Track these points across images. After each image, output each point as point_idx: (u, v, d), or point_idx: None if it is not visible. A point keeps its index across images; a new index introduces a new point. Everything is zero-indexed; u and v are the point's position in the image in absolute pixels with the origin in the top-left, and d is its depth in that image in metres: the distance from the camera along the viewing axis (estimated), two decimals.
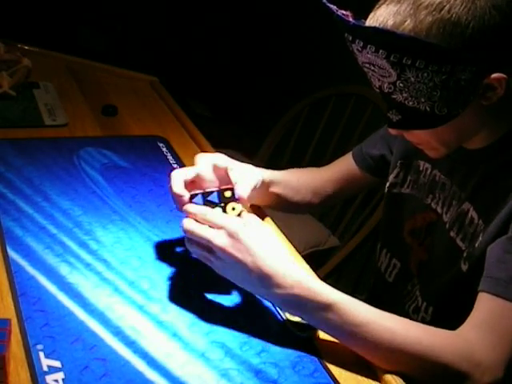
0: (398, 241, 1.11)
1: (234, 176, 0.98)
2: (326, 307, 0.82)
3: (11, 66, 1.48)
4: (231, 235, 0.85)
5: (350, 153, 1.22)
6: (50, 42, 1.96)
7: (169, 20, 3.23)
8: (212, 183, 0.99)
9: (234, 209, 0.92)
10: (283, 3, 2.92)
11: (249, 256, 0.84)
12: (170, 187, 0.96)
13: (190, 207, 0.91)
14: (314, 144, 1.96)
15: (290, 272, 0.84)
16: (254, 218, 0.91)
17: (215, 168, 1.00)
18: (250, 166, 1.06)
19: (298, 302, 0.84)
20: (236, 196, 0.92)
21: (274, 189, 1.13)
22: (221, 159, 1.02)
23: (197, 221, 0.89)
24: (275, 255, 0.85)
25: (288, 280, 0.83)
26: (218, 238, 0.85)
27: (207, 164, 1.00)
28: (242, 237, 0.84)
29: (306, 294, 0.83)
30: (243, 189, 0.94)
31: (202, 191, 0.93)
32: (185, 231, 0.89)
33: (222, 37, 3.18)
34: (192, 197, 0.93)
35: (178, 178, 0.96)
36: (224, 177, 0.99)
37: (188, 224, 0.88)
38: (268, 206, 1.17)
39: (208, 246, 0.87)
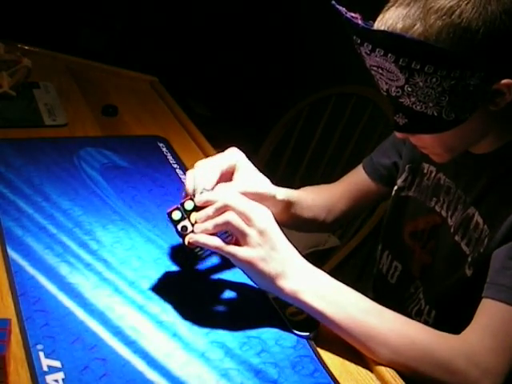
0: (398, 243, 1.11)
1: (239, 176, 0.96)
2: (331, 296, 0.84)
3: (11, 66, 1.48)
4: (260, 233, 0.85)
5: (360, 165, 1.20)
6: (50, 42, 1.96)
7: (169, 20, 3.23)
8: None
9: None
10: (283, 4, 2.92)
11: (262, 251, 0.85)
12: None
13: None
14: (314, 144, 1.96)
15: (298, 264, 0.86)
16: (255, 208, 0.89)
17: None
18: (262, 176, 1.01)
19: (306, 291, 0.85)
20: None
21: (293, 209, 1.09)
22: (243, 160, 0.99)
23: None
24: (284, 250, 0.87)
25: (298, 272, 0.85)
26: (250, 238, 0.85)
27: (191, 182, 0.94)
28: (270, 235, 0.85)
29: (315, 283, 0.85)
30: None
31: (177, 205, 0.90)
32: (226, 222, 0.85)
33: (222, 37, 3.18)
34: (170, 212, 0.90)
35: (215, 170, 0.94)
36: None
37: (229, 216, 0.85)
38: (281, 224, 1.15)
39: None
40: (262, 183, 0.99)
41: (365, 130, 1.83)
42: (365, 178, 1.19)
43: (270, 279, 0.85)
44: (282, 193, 1.04)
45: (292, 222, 1.13)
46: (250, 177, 0.97)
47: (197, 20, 3.23)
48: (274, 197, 1.00)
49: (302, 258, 0.89)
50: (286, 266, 0.86)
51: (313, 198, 1.17)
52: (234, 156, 0.98)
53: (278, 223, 0.89)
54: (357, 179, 1.20)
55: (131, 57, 3.00)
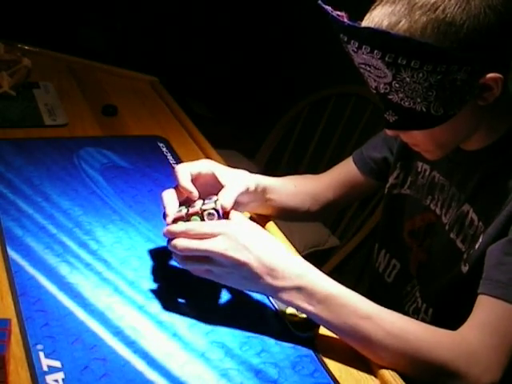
0: (397, 242, 1.11)
1: (224, 180, 0.97)
2: (326, 299, 0.82)
3: (11, 66, 1.48)
4: (228, 238, 0.84)
5: (350, 157, 1.20)
6: (50, 42, 1.96)
7: (169, 20, 3.23)
8: (193, 194, 0.94)
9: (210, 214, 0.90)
10: (283, 3, 2.92)
11: (249, 254, 0.84)
12: (178, 184, 0.94)
13: (176, 227, 0.88)
14: (314, 144, 1.96)
15: (291, 264, 0.85)
16: (239, 216, 0.90)
17: (197, 177, 0.97)
18: (241, 172, 1.03)
19: (300, 293, 0.84)
20: (218, 206, 0.90)
21: (270, 195, 1.09)
22: (204, 166, 0.98)
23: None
24: (274, 249, 0.86)
25: (290, 271, 0.84)
26: (217, 245, 0.84)
27: (186, 175, 0.95)
28: (239, 237, 0.84)
29: (308, 284, 0.83)
30: (227, 199, 0.92)
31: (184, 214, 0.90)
32: (180, 251, 0.86)
33: (221, 37, 3.18)
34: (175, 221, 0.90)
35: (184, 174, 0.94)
36: (211, 183, 0.97)
37: (181, 243, 0.86)
38: (266, 215, 1.15)
39: (206, 257, 0.86)
40: (239, 181, 0.99)
41: (365, 130, 1.83)
42: (354, 170, 1.19)
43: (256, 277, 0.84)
44: (262, 181, 1.06)
45: (276, 210, 1.14)
46: (230, 182, 0.97)
47: (197, 20, 3.24)
48: (255, 187, 1.02)
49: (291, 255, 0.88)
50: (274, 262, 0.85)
51: (296, 185, 1.18)
52: (206, 165, 0.99)
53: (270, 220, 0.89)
54: (346, 170, 1.21)
55: (131, 57, 3.01)
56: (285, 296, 0.86)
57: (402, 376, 0.82)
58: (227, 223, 0.88)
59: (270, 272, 0.84)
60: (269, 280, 0.85)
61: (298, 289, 0.84)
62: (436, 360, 0.80)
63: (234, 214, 0.91)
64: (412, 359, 0.82)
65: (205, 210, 0.90)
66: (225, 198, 0.92)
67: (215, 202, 0.91)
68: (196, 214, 0.90)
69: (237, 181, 0.98)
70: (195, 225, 0.88)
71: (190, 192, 0.94)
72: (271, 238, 0.89)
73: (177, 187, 0.95)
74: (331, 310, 0.83)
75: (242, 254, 0.84)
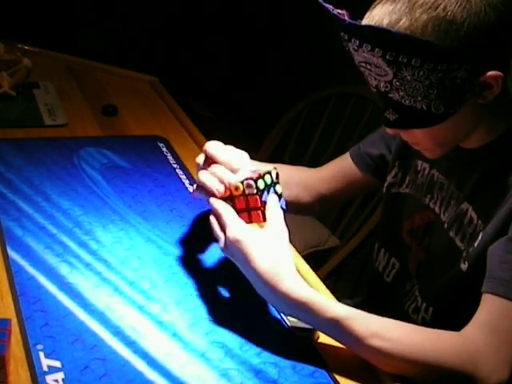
0: (396, 241, 1.11)
1: (235, 163, 0.95)
2: (333, 322, 0.81)
3: (11, 66, 1.48)
4: (227, 244, 0.85)
5: (347, 153, 1.21)
6: (50, 42, 1.96)
7: (169, 20, 3.23)
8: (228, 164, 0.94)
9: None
10: (283, 3, 2.92)
11: (244, 266, 0.84)
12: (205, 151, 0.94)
13: (216, 204, 0.88)
14: (314, 144, 1.96)
15: (294, 288, 0.82)
16: (274, 219, 0.89)
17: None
18: (239, 151, 1.01)
19: (305, 317, 0.83)
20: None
21: None
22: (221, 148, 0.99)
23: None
24: (278, 268, 0.83)
25: (292, 296, 0.82)
26: (220, 241, 0.86)
27: (221, 149, 0.96)
28: (237, 249, 0.83)
29: (312, 310, 0.81)
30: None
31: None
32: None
33: (222, 37, 3.18)
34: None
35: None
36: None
37: (211, 218, 0.89)
38: None
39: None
40: (248, 163, 0.98)
41: (365, 130, 1.83)
42: (350, 165, 1.19)
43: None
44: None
45: None
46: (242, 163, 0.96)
47: (197, 20, 3.24)
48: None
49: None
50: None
51: (285, 173, 1.17)
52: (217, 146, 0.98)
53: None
54: (342, 165, 1.20)
55: (131, 57, 3.00)
56: (287, 314, 0.88)
57: (405, 378, 0.82)
58: (241, 228, 0.85)
59: (270, 291, 0.83)
60: (269, 298, 0.85)
61: (301, 314, 0.83)
62: (443, 367, 0.80)
63: (269, 215, 0.89)
64: (420, 369, 0.81)
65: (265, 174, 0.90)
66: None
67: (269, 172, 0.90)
68: (260, 177, 0.89)
69: (246, 161, 0.97)
70: (225, 211, 0.87)
71: (229, 163, 0.92)
72: (280, 256, 0.84)
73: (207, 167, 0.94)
74: (335, 333, 0.83)
75: (240, 264, 0.85)
